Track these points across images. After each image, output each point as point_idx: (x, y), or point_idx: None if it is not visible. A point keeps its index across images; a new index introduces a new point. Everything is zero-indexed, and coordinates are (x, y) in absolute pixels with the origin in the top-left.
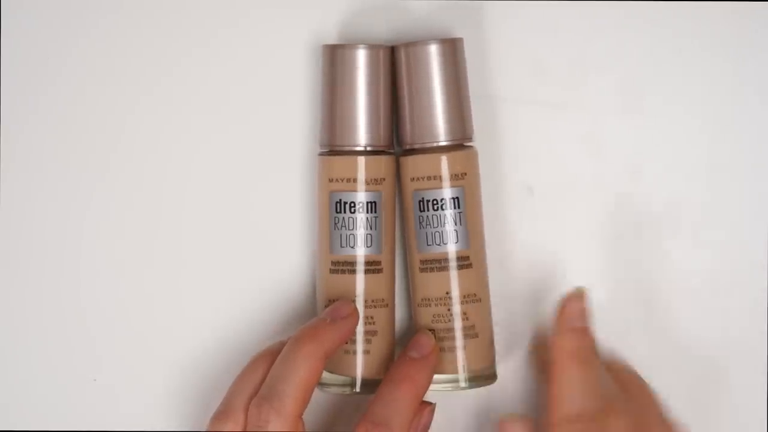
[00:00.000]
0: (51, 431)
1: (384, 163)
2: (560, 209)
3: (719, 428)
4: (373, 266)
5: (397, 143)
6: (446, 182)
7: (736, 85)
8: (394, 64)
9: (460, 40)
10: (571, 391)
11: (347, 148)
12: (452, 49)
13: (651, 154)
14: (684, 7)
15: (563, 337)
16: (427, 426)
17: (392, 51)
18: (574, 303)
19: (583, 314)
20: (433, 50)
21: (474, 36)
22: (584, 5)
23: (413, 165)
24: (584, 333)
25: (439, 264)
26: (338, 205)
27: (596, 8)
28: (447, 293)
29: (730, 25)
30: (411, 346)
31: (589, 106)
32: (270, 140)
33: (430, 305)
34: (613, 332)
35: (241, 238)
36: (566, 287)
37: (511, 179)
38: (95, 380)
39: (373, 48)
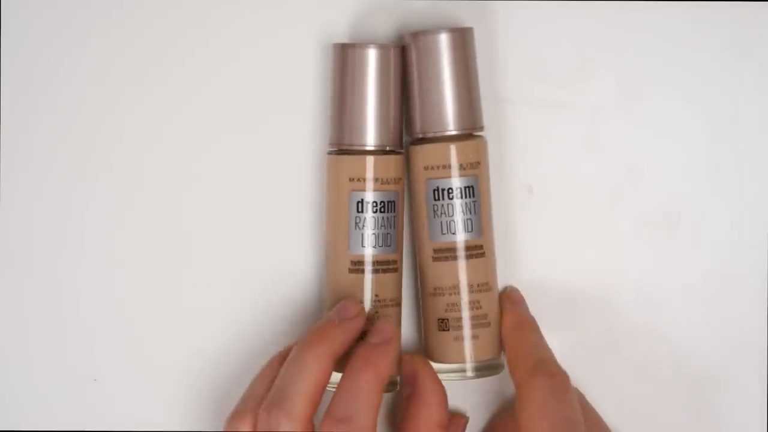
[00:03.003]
0: (51, 431)
1: (401, 162)
2: (560, 209)
3: (719, 428)
4: (391, 265)
5: (407, 133)
6: (462, 171)
7: (736, 84)
8: (404, 53)
9: (470, 29)
10: (528, 349)
11: (367, 148)
12: (462, 39)
13: (651, 154)
14: (684, 7)
15: (511, 315)
16: None
17: (402, 47)
18: (516, 293)
19: (523, 302)
20: (444, 39)
21: (476, 36)
22: (585, 5)
23: (427, 154)
24: (529, 314)
25: (453, 253)
26: (359, 204)
27: (597, 8)
28: (460, 281)
29: (730, 25)
30: (371, 333)
31: (589, 106)
32: (279, 140)
33: (443, 294)
34: (613, 332)
35: (249, 237)
36: (565, 288)
37: (511, 179)
38: (95, 380)
39: (383, 48)
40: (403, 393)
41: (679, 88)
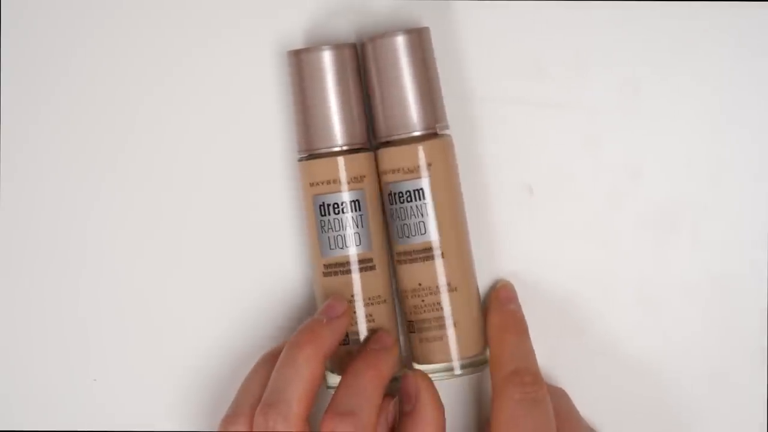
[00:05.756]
0: (51, 431)
1: (362, 160)
2: (559, 209)
3: (719, 428)
4: (365, 264)
5: (374, 137)
6: (413, 173)
7: (736, 84)
8: (364, 57)
9: (427, 29)
10: (507, 353)
11: (324, 150)
12: (419, 39)
13: (650, 153)
14: (684, 7)
15: (497, 314)
16: (394, 419)
17: (361, 47)
18: (506, 290)
19: (513, 299)
20: (400, 41)
21: (473, 36)
22: (583, 4)
23: (381, 158)
24: (515, 312)
25: (410, 256)
26: (322, 208)
27: (596, 6)
28: (420, 284)
29: (730, 25)
30: (372, 340)
31: (588, 106)
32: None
33: (407, 297)
34: (613, 332)
35: (239, 242)
36: (565, 288)
37: (510, 179)
38: (95, 380)
39: (338, 48)
40: (402, 409)
41: (678, 88)
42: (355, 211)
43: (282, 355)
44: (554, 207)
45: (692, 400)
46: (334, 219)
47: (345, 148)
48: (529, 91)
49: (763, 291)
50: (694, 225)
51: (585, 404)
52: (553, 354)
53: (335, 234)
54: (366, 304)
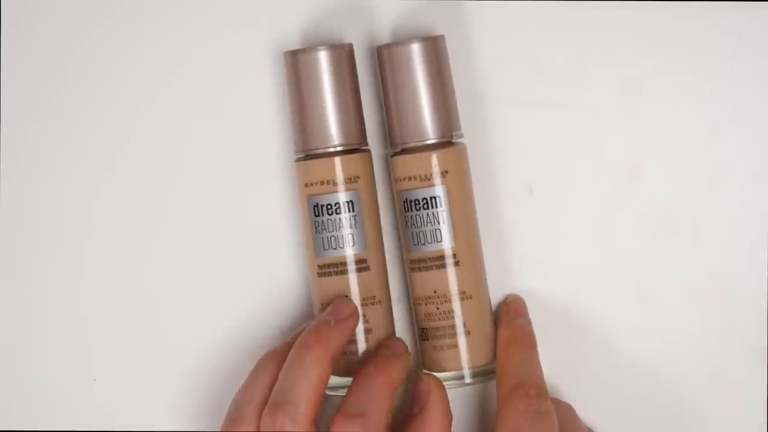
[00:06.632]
0: (51, 431)
1: (357, 161)
2: (560, 209)
3: (719, 428)
4: (359, 265)
5: (390, 144)
6: (428, 181)
7: (736, 84)
8: (380, 63)
9: (442, 37)
10: (513, 367)
11: (319, 151)
12: (434, 48)
13: (651, 154)
14: (684, 7)
15: (505, 328)
16: None
17: (377, 53)
18: (516, 304)
19: (523, 314)
20: (415, 49)
21: (472, 36)
22: (584, 4)
23: (395, 165)
24: (524, 327)
25: (425, 263)
26: (316, 208)
27: (597, 7)
28: (435, 292)
29: (731, 25)
30: (383, 347)
31: (588, 106)
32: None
33: (421, 304)
34: (613, 332)
35: (236, 242)
36: (565, 288)
37: (510, 179)
38: (95, 380)
39: (334, 48)
40: (410, 410)
41: (678, 88)
42: (350, 211)
43: (290, 355)
44: (554, 207)
45: (692, 401)
46: (327, 220)
47: (341, 148)
48: (529, 91)
49: (763, 291)
50: (694, 225)
51: (584, 405)
52: (553, 356)
53: (329, 235)
54: (361, 305)
